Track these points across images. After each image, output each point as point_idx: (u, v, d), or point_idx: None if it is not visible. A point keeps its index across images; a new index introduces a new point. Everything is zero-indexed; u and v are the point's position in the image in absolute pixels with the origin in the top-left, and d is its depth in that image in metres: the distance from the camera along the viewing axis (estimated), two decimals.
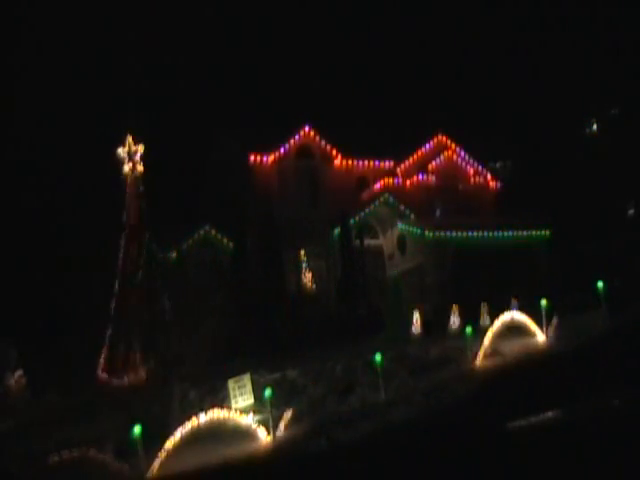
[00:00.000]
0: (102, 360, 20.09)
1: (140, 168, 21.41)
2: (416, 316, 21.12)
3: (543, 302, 18.34)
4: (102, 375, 19.90)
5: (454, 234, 24.99)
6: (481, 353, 16.57)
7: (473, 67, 40.74)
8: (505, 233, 25.72)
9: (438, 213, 27.36)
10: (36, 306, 23.52)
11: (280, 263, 22.21)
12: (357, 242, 25.55)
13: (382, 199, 26.38)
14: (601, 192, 29.94)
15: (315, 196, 27.53)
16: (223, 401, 14.51)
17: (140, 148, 21.41)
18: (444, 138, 29.03)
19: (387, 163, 28.58)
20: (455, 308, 20.78)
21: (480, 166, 29.40)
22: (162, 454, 12.05)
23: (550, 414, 12.72)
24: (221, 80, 42.17)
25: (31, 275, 24.94)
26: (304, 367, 16.58)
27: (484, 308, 20.21)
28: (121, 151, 21.28)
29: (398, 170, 28.30)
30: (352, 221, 25.33)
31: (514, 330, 17.58)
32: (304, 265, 22.36)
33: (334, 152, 27.82)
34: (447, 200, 27.72)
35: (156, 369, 19.66)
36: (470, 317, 19.47)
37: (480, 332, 17.53)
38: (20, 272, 24.80)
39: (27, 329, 21.13)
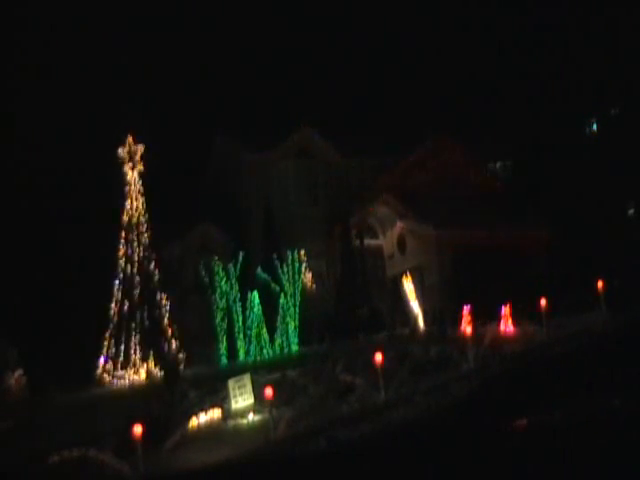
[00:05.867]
0: (102, 360, 20.13)
1: (140, 167, 21.46)
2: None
3: (542, 301, 18.33)
4: (102, 375, 19.94)
5: (454, 234, 24.97)
6: None
7: (473, 67, 40.71)
8: (505, 233, 25.70)
9: (438, 213, 27.35)
10: (36, 306, 23.52)
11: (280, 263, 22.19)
12: (357, 242, 25.58)
13: (382, 199, 26.36)
14: (601, 192, 29.90)
15: (315, 196, 27.55)
16: (223, 401, 14.50)
17: (140, 148, 21.46)
18: (444, 138, 29.00)
19: (387, 163, 28.57)
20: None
21: (480, 166, 29.37)
22: None
23: (550, 414, 12.71)
24: (221, 80, 42.14)
25: (31, 275, 24.93)
26: (304, 367, 16.59)
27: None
28: (121, 151, 21.33)
29: (398, 170, 28.28)
30: (352, 221, 25.33)
31: None
32: (304, 265, 22.40)
33: (334, 152, 27.81)
34: (447, 200, 27.71)
35: (156, 369, 19.69)
36: (470, 317, 19.46)
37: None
38: (20, 272, 24.79)
39: (27, 329, 21.14)
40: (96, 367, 20.04)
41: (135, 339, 20.09)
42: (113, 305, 20.72)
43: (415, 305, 21.64)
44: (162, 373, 18.96)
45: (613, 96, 33.72)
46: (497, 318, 19.35)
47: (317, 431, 12.99)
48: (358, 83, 42.51)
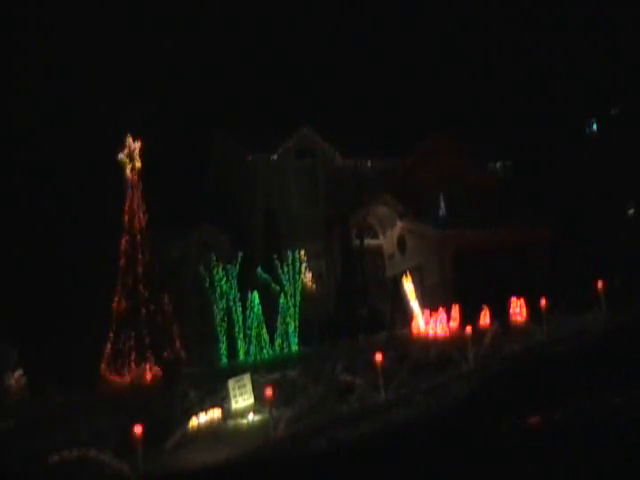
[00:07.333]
0: (103, 360, 20.12)
1: (139, 164, 21.42)
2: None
3: (542, 301, 18.32)
4: (102, 375, 19.94)
5: (454, 233, 24.98)
6: None
7: (473, 67, 40.75)
8: (505, 232, 25.71)
9: (440, 213, 27.36)
10: (36, 306, 23.52)
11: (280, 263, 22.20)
12: (357, 242, 25.57)
13: (382, 199, 26.37)
14: (601, 192, 29.90)
15: (315, 196, 27.57)
16: (223, 401, 14.50)
17: (138, 144, 21.40)
18: (444, 138, 29.01)
19: (387, 163, 28.59)
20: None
21: (480, 166, 29.37)
22: None
23: (550, 414, 12.71)
24: (221, 80, 42.17)
25: (31, 275, 24.94)
26: (304, 367, 16.59)
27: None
28: (122, 156, 21.31)
29: (398, 170, 28.31)
30: (352, 221, 25.33)
31: None
32: (304, 265, 22.42)
33: (334, 152, 27.82)
34: (447, 200, 27.73)
35: (156, 369, 19.69)
36: (470, 317, 19.46)
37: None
38: (20, 272, 24.79)
39: (27, 329, 21.14)
40: (96, 367, 20.03)
41: (135, 339, 20.06)
42: (114, 305, 20.70)
43: (415, 305, 21.66)
44: (162, 373, 18.98)
45: (613, 96, 33.73)
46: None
47: (317, 431, 12.98)
48: (358, 83, 42.56)
